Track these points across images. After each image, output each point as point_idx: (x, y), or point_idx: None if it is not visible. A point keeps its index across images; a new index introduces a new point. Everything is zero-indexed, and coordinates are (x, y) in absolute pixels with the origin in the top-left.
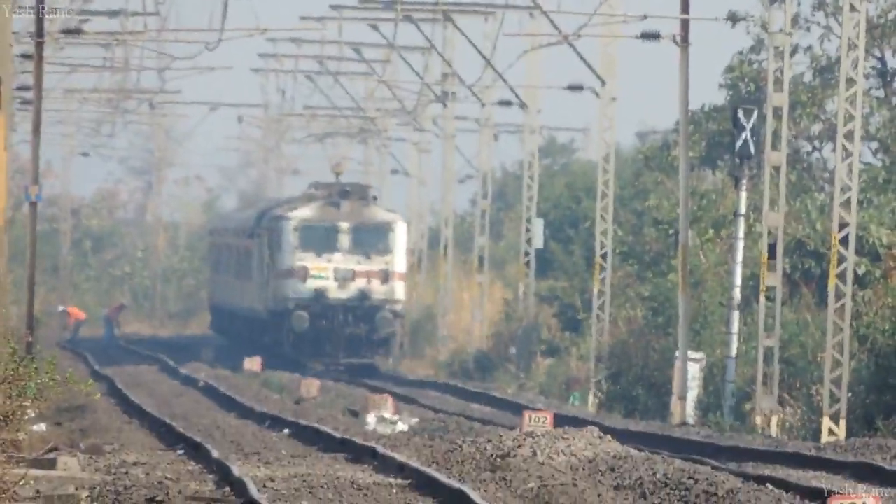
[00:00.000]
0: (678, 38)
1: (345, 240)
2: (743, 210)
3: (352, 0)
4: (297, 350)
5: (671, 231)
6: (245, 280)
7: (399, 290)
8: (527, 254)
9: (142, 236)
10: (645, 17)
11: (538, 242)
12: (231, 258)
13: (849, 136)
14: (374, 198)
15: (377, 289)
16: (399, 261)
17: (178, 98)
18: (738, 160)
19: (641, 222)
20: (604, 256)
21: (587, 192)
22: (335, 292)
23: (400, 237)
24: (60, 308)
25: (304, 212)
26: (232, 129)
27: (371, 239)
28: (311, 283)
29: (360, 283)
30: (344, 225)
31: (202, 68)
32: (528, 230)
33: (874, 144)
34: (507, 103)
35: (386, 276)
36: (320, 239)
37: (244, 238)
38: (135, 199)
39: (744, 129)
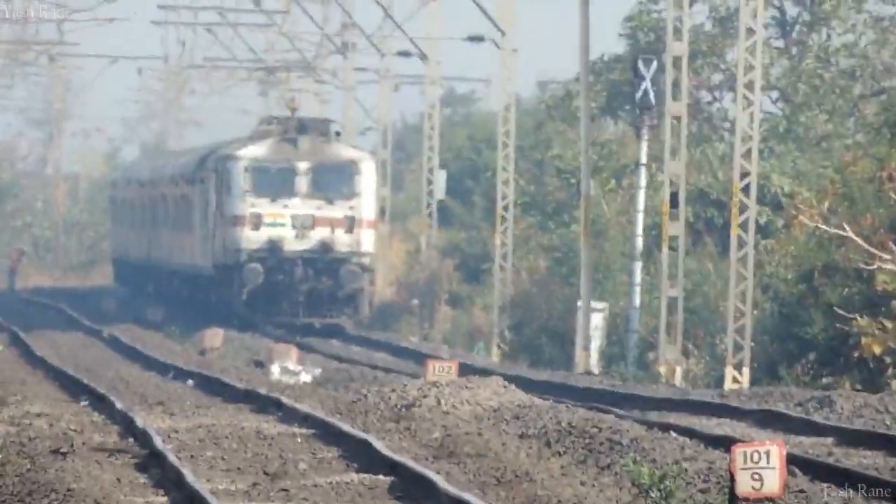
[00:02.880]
0: None
1: (303, 182)
2: (644, 160)
3: None
4: (249, 308)
5: (573, 181)
6: (183, 231)
7: (367, 239)
8: (429, 205)
9: (42, 188)
10: None
11: (440, 194)
12: (161, 207)
13: (749, 85)
14: (337, 133)
15: (341, 239)
16: (367, 206)
17: (78, 50)
18: (638, 110)
19: (543, 173)
20: (505, 207)
21: (488, 143)
22: (293, 243)
23: (368, 178)
24: None
25: (256, 150)
26: (132, 81)
27: (334, 181)
28: (266, 233)
29: (321, 231)
30: (302, 165)
31: (101, 20)
32: (429, 181)
33: (774, 94)
34: (407, 54)
35: (351, 224)
36: (275, 181)
37: (181, 184)
38: (35, 151)
39: (644, 79)
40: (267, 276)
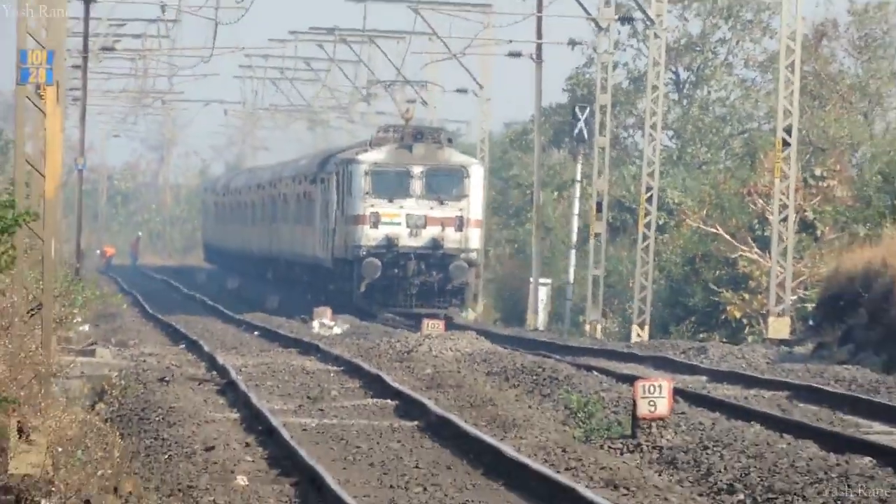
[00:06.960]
0: (534, 56)
1: (417, 185)
2: (579, 177)
3: (304, 27)
4: (366, 299)
5: (529, 192)
6: (304, 227)
7: (474, 238)
8: None
9: (155, 194)
10: (511, 41)
11: None
12: (280, 206)
13: (653, 126)
14: (449, 140)
15: (451, 237)
16: (474, 207)
17: (182, 97)
18: (575, 142)
19: (508, 186)
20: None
21: None
22: (407, 239)
23: (476, 182)
24: (97, 251)
25: (376, 155)
26: (220, 118)
27: (445, 184)
28: (383, 230)
29: (433, 230)
30: (416, 169)
31: (199, 75)
32: None
33: (670, 132)
34: (412, 102)
35: (460, 224)
36: (392, 184)
37: (303, 183)
38: (151, 168)
39: (579, 120)
40: (383, 270)
